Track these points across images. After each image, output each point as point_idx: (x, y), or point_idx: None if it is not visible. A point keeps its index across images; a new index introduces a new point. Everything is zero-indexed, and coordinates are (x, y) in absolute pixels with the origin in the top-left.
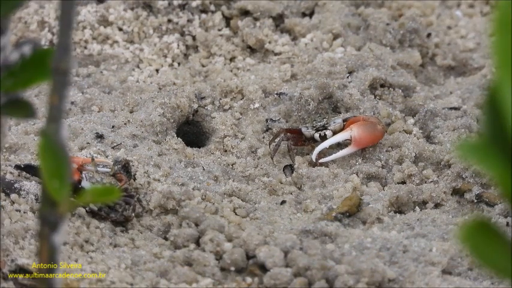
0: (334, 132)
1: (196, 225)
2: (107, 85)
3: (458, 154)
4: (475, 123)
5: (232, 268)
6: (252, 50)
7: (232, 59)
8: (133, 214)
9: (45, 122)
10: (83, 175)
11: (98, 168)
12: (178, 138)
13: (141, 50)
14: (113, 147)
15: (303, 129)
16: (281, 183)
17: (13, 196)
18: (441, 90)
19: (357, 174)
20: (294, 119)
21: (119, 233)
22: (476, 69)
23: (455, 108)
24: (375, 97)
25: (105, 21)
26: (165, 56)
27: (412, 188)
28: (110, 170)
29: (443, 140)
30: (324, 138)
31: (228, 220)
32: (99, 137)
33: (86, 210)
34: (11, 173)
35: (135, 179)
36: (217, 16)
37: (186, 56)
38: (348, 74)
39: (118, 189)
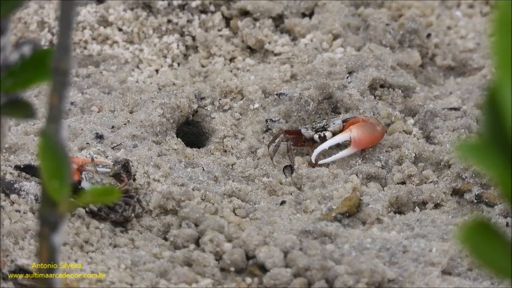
0: (334, 133)
1: (196, 225)
2: (106, 85)
3: (458, 154)
4: (475, 124)
5: (232, 268)
6: (251, 50)
7: (232, 60)
8: (133, 214)
9: (45, 122)
10: (83, 175)
11: (98, 169)
12: (178, 139)
13: (141, 50)
14: (112, 148)
15: (303, 131)
16: (281, 183)
17: (13, 196)
18: (441, 90)
19: (356, 175)
20: (293, 119)
21: (119, 234)
22: (476, 70)
23: (455, 109)
24: (375, 97)
25: (104, 22)
26: (165, 57)
27: (412, 188)
28: (109, 170)
29: (443, 140)
30: (323, 139)
31: (227, 220)
32: (99, 137)
33: (86, 211)
34: (10, 173)
35: (134, 180)
36: (217, 16)
37: (185, 56)
38: (348, 75)
39: (118, 190)
